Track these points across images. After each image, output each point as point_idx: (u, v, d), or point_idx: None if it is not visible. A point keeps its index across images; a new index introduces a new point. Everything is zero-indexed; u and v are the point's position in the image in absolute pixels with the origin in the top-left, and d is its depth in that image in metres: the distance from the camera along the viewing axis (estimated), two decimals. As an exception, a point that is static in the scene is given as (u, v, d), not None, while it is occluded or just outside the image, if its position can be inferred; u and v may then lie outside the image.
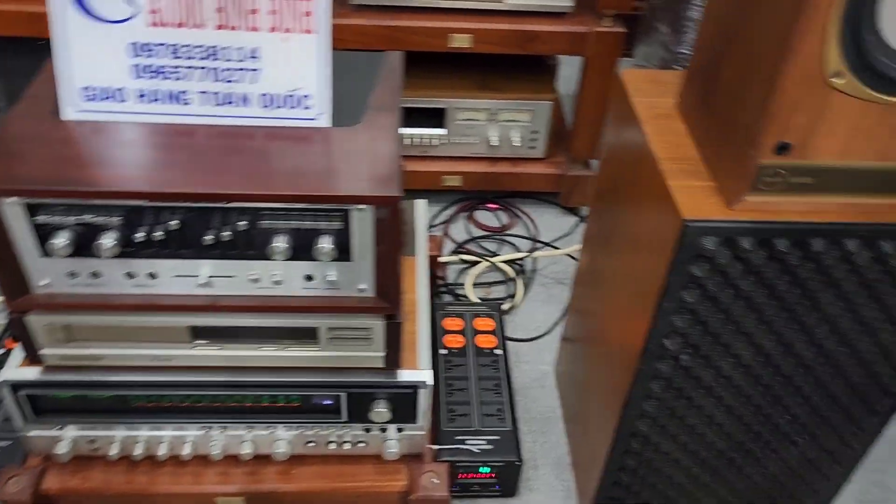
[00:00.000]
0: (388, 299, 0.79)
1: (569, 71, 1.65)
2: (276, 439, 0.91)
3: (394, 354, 0.84)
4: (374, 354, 0.84)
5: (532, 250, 1.41)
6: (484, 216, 1.51)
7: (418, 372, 0.87)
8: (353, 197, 0.71)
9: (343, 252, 0.75)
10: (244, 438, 0.91)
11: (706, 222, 0.66)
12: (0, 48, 1.31)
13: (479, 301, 1.28)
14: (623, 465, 0.90)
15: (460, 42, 1.27)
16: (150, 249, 0.74)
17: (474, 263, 1.37)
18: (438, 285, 1.34)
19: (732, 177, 0.67)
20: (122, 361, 0.83)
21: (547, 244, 1.42)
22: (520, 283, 1.35)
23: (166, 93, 0.76)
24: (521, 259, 1.39)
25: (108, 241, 0.71)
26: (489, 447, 0.99)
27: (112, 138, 0.75)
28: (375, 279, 0.78)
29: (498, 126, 1.42)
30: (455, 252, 1.40)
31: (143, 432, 0.90)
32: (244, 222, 0.72)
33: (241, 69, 0.76)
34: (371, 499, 0.94)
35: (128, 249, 0.73)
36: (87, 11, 0.73)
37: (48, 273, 0.75)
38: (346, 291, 0.79)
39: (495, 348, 1.11)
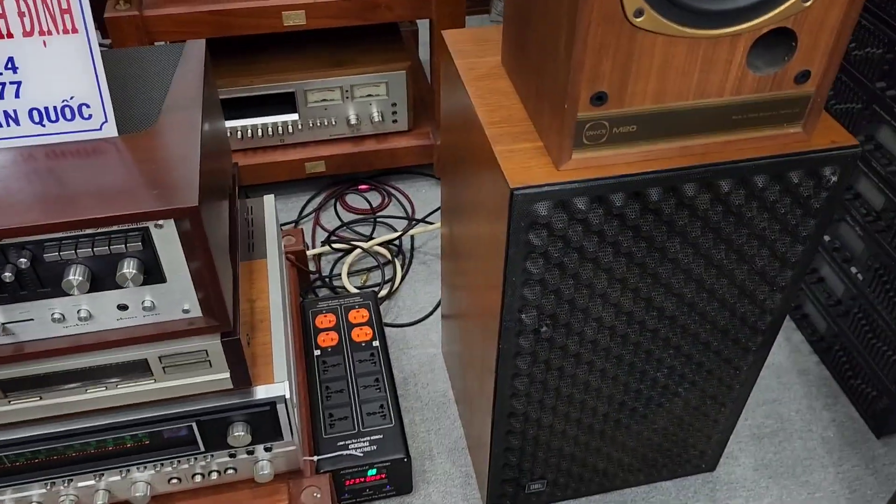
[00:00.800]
0: (217, 316, 0.71)
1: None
2: (133, 482, 0.83)
3: (241, 372, 0.77)
4: (219, 377, 0.77)
5: (407, 228, 1.34)
6: (355, 199, 1.44)
7: (274, 386, 0.80)
8: (147, 213, 0.62)
9: (153, 274, 0.67)
10: (97, 488, 0.82)
11: (535, 188, 0.61)
12: None
13: (353, 292, 1.22)
14: (508, 445, 0.86)
15: (294, 19, 1.18)
16: (-77, 303, 0.64)
17: (348, 251, 1.30)
18: (313, 280, 1.27)
19: (556, 135, 0.62)
20: (-72, 430, 0.73)
21: (421, 220, 1.36)
22: (398, 265, 1.29)
23: (-85, 121, 0.66)
24: (395, 239, 1.33)
25: None
26: (373, 448, 0.93)
27: None
28: (198, 297, 0.70)
29: (355, 103, 1.35)
30: (326, 241, 1.33)
31: (-19, 501, 0.80)
32: (25, 259, 0.63)
33: (2, 84, 0.66)
34: (251, 526, 0.88)
35: None
36: None
37: None
38: (169, 315, 0.70)
39: (372, 340, 1.05)
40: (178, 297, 0.69)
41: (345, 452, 0.93)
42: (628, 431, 0.90)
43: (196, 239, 0.65)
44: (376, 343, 1.05)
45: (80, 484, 0.82)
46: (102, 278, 0.66)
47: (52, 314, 0.68)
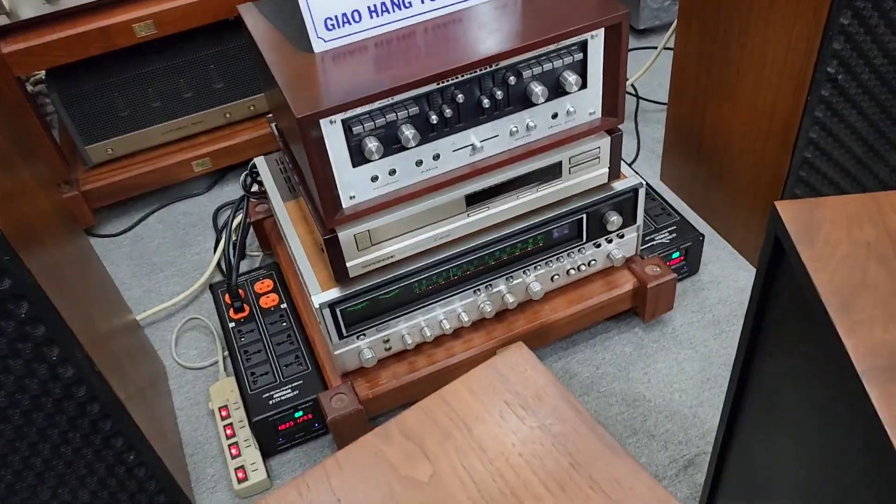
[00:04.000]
0: (614, 114, 0.95)
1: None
2: (529, 283, 1.06)
3: (616, 166, 1.01)
4: (601, 172, 1.01)
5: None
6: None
7: (630, 179, 1.04)
8: (594, 24, 0.85)
9: (582, 82, 0.90)
10: (504, 292, 1.05)
11: (859, -50, 0.86)
12: (61, 77, 1.32)
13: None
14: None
15: None
16: (435, 132, 0.86)
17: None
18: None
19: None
20: (411, 251, 0.95)
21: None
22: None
23: (391, 2, 0.87)
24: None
25: (410, 131, 0.83)
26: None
27: (371, 51, 0.85)
28: (602, 100, 0.93)
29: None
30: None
31: (422, 318, 1.02)
32: (512, 78, 0.86)
33: (447, -38, 0.88)
34: (611, 305, 1.12)
35: (421, 137, 0.85)
36: (316, -51, 0.83)
37: (354, 185, 0.86)
38: (581, 119, 0.94)
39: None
40: (590, 101, 0.93)
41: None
42: (872, 174, 1.16)
43: (619, 44, 0.88)
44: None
45: (494, 289, 1.05)
46: (551, 91, 0.89)
47: (511, 128, 0.90)
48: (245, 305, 1.16)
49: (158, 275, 1.37)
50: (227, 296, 1.18)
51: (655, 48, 1.66)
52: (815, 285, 0.54)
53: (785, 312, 0.63)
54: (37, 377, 0.74)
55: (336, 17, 0.85)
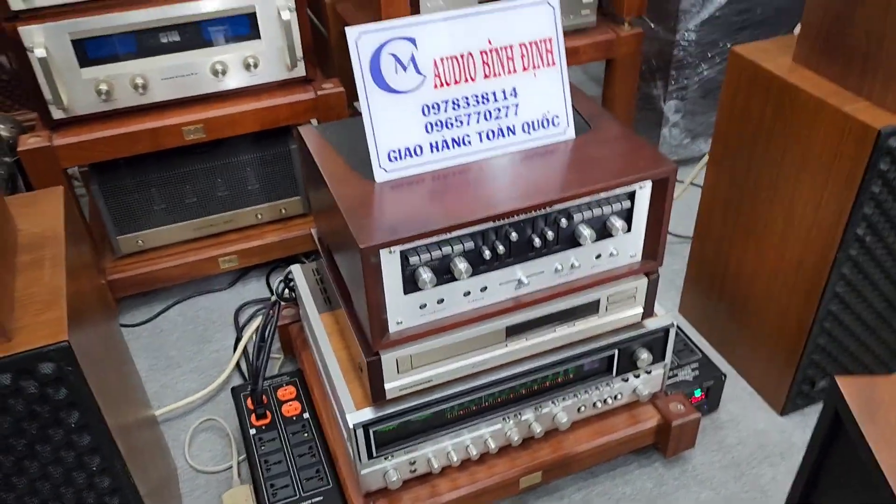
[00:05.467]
0: (653, 258, 0.98)
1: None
2: (555, 413, 1.06)
3: (650, 306, 1.04)
4: (636, 311, 1.03)
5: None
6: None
7: (662, 318, 1.07)
8: (641, 177, 0.90)
9: (627, 226, 0.94)
10: (531, 421, 1.06)
11: (892, 126, 0.92)
12: (103, 169, 1.36)
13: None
14: (816, 345, 1.14)
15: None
16: (486, 265, 0.89)
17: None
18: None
19: (893, 92, 0.94)
20: (448, 377, 0.96)
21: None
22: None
23: (452, 139, 0.92)
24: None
25: (463, 265, 0.86)
26: None
27: (430, 185, 0.89)
28: (644, 245, 0.97)
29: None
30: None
31: (449, 441, 1.02)
32: (563, 221, 0.89)
33: (507, 106, 0.93)
34: (635, 440, 1.12)
35: (472, 270, 0.88)
36: (388, 88, 0.88)
37: (402, 311, 0.88)
38: (622, 261, 0.97)
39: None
40: (632, 245, 0.96)
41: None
42: (891, 329, 1.19)
43: (666, 196, 0.92)
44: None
45: (522, 418, 1.05)
46: (597, 233, 0.92)
47: (555, 266, 0.93)
48: (267, 412, 1.16)
49: (176, 370, 1.36)
50: (249, 400, 1.17)
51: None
52: (878, 463, 0.56)
53: (838, 482, 0.64)
54: (62, 465, 0.73)
55: (399, 150, 0.90)
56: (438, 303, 0.89)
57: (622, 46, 1.54)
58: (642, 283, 1.00)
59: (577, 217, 0.90)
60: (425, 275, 0.85)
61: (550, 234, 0.90)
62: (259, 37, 1.32)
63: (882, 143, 0.93)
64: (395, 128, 0.89)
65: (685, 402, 1.13)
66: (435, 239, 0.84)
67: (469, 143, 0.93)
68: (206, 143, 1.38)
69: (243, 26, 1.31)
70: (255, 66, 1.33)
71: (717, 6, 1.60)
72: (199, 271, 1.48)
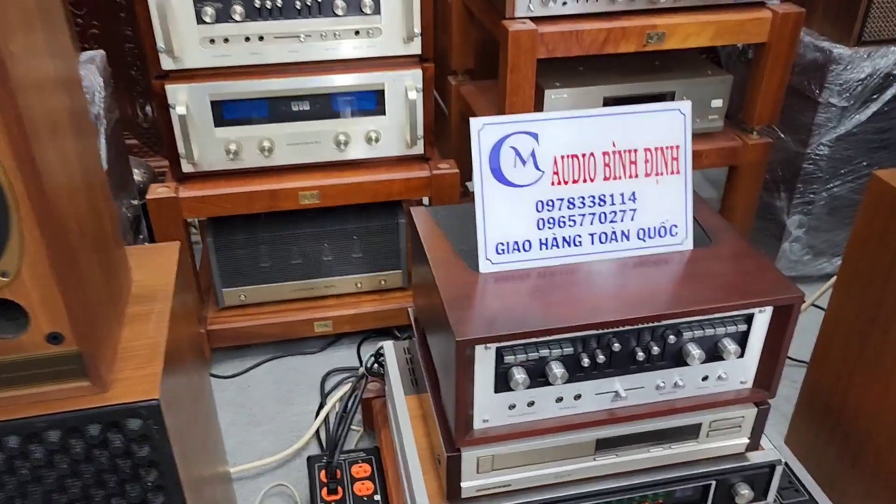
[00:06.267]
0: (766, 388, 0.91)
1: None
2: (640, 539, 0.99)
3: (756, 439, 0.96)
4: (741, 441, 0.95)
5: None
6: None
7: (769, 451, 0.98)
8: (762, 301, 0.84)
9: (742, 350, 0.87)
10: (613, 543, 0.98)
11: None
12: (219, 224, 1.41)
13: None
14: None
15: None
16: (583, 373, 0.85)
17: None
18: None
19: None
20: (530, 483, 0.91)
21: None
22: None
23: (563, 238, 0.89)
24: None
25: (559, 370, 0.82)
26: None
27: (534, 282, 0.87)
28: (756, 372, 0.90)
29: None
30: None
31: (522, 553, 0.96)
32: (672, 337, 0.84)
33: (623, 210, 0.90)
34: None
35: (569, 375, 0.84)
36: (505, 181, 0.87)
37: (490, 409, 0.84)
38: (731, 386, 0.91)
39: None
40: (744, 370, 0.90)
41: None
42: None
43: (786, 325, 0.86)
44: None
45: (603, 539, 0.98)
46: (707, 354, 0.87)
47: (658, 383, 0.88)
48: (339, 488, 1.13)
49: (256, 429, 1.37)
50: (323, 473, 1.15)
51: (790, 300, 1.62)
52: None
53: None
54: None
55: (508, 243, 0.88)
56: (529, 405, 0.85)
57: (748, 155, 1.49)
58: (750, 412, 0.93)
59: (686, 335, 0.85)
60: (519, 375, 0.81)
61: (656, 349, 0.85)
62: (384, 113, 1.35)
63: None
64: (506, 220, 0.87)
65: (783, 546, 1.03)
66: (533, 340, 0.81)
67: (580, 243, 0.90)
68: (319, 208, 1.42)
69: (371, 102, 1.35)
70: (377, 140, 1.36)
71: (854, 123, 1.53)
72: (293, 332, 1.49)
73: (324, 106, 1.33)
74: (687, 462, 0.96)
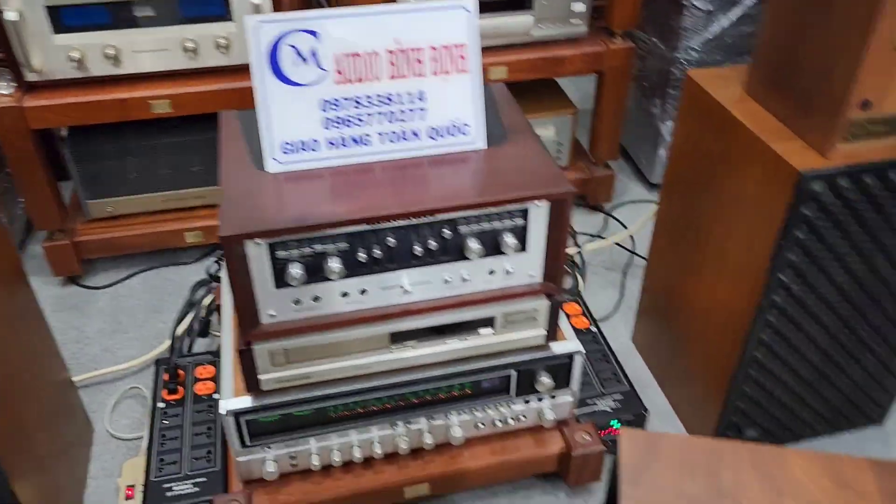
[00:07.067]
0: (554, 281, 0.94)
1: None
2: (451, 426, 1.04)
3: (553, 329, 1.00)
4: (538, 333, 1.00)
5: (578, 245, 1.59)
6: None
7: (570, 343, 1.03)
8: (536, 195, 0.87)
9: (521, 245, 0.90)
10: (425, 430, 1.03)
11: (815, 170, 0.86)
12: (81, 134, 1.40)
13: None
14: (743, 393, 1.08)
15: (496, 73, 1.45)
16: (365, 268, 0.87)
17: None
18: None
19: (823, 133, 0.87)
20: (329, 376, 0.95)
21: (597, 236, 1.62)
22: (578, 276, 1.53)
23: (351, 138, 0.90)
24: (572, 255, 1.57)
25: (336, 264, 0.84)
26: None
27: (317, 181, 0.88)
28: (544, 265, 0.93)
29: (527, 143, 1.61)
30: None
31: (335, 440, 1.01)
32: (447, 231, 0.87)
33: (412, 109, 0.91)
34: (536, 464, 1.09)
35: (348, 271, 0.86)
36: (285, 79, 0.87)
37: (276, 305, 0.87)
38: (519, 280, 0.94)
39: (589, 327, 1.28)
40: (530, 264, 0.93)
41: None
42: (828, 383, 1.11)
43: (561, 218, 0.89)
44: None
45: (414, 427, 1.03)
46: (487, 248, 0.89)
47: (444, 278, 0.91)
48: (180, 388, 1.17)
49: (121, 336, 1.40)
50: (165, 373, 1.19)
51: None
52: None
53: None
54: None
55: (294, 142, 0.89)
56: (314, 300, 0.88)
57: (611, 59, 1.49)
58: (543, 304, 0.97)
59: (463, 230, 0.87)
60: (295, 271, 0.84)
61: (433, 245, 0.87)
62: (232, 19, 1.33)
63: (803, 186, 0.86)
64: (291, 120, 0.88)
65: (593, 432, 1.09)
66: (307, 235, 0.83)
67: (370, 142, 0.91)
68: (182, 118, 1.41)
69: (216, 5, 1.32)
70: (228, 48, 1.35)
71: (721, 26, 1.53)
72: (164, 242, 1.51)
73: (169, 11, 1.31)
74: (489, 354, 1.00)
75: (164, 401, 1.16)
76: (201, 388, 1.18)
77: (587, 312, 1.32)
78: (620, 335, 1.41)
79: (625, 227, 1.66)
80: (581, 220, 1.69)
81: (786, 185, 0.88)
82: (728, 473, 0.54)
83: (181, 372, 1.20)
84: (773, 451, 0.58)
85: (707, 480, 0.53)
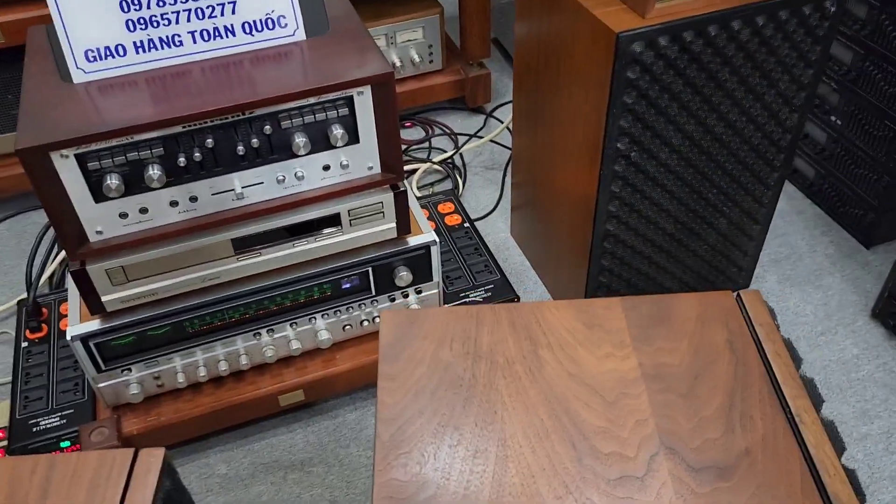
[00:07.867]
0: (393, 171, 0.93)
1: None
2: (317, 330, 1.04)
3: (404, 222, 0.99)
4: (388, 226, 0.99)
5: (462, 144, 1.58)
6: (404, 134, 1.66)
7: (424, 235, 1.03)
8: (356, 80, 0.84)
9: (352, 136, 0.89)
10: (290, 337, 1.03)
11: (632, 31, 0.86)
12: None
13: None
14: (602, 266, 1.10)
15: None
16: (189, 174, 0.85)
17: (414, 171, 1.53)
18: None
19: (640, -6, 0.87)
20: (176, 289, 0.94)
21: (473, 136, 1.61)
22: (458, 177, 1.52)
23: (159, 39, 0.86)
24: (452, 155, 1.56)
25: (155, 171, 0.82)
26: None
27: (127, 88, 0.84)
28: (380, 155, 0.92)
29: (397, 49, 1.57)
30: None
31: (200, 356, 1.00)
32: (268, 127, 0.84)
33: (221, 3, 0.87)
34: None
35: (170, 178, 0.84)
36: (76, -20, 0.82)
37: (101, 220, 0.84)
38: (358, 173, 0.93)
39: (462, 223, 1.28)
40: (366, 156, 0.92)
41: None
42: (687, 250, 1.15)
43: (387, 103, 0.87)
44: (467, 225, 1.27)
45: (279, 335, 1.03)
46: (316, 143, 0.88)
47: (277, 177, 0.89)
48: (44, 325, 1.14)
49: (-11, 283, 1.35)
50: (27, 313, 1.16)
51: (539, 100, 1.65)
52: (379, 413, 0.52)
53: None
54: None
55: (98, 49, 0.84)
56: (142, 212, 0.85)
57: (468, -48, 1.45)
58: (387, 197, 0.96)
59: (285, 124, 0.85)
60: (111, 182, 0.81)
61: (256, 142, 0.85)
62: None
63: (623, 48, 0.86)
64: (91, 25, 0.83)
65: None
66: (116, 143, 0.80)
67: (181, 43, 0.87)
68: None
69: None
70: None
71: None
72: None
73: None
74: (342, 253, 1.00)
75: (27, 339, 1.12)
76: (66, 324, 1.14)
77: (460, 209, 1.32)
78: (500, 230, 1.42)
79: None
80: (462, 123, 1.68)
81: (608, 50, 0.88)
82: (485, 336, 0.54)
83: (44, 310, 1.16)
84: (529, 306, 0.60)
85: (464, 346, 0.54)
